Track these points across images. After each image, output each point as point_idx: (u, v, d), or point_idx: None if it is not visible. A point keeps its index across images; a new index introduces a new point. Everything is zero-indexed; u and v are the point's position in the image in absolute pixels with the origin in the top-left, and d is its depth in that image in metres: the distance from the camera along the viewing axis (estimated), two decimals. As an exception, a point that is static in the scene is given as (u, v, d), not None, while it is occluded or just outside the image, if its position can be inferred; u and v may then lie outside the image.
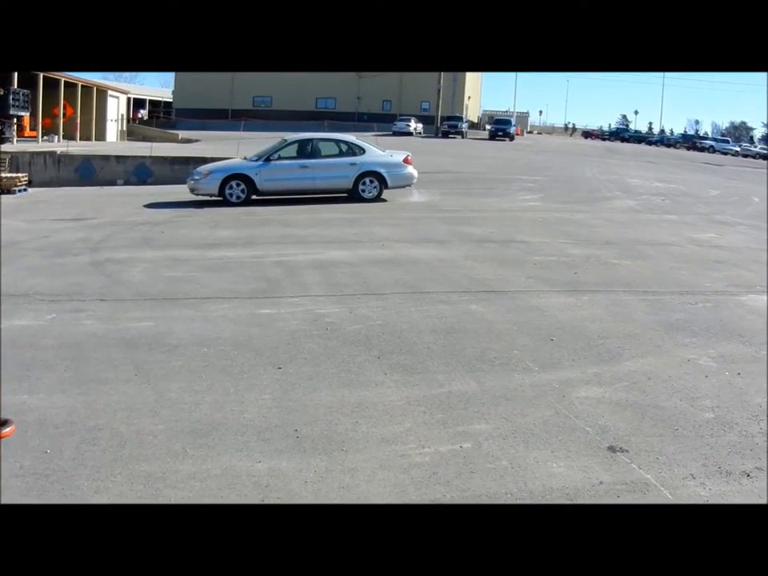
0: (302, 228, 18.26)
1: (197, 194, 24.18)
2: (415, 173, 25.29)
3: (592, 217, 22.43)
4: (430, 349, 8.91)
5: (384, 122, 79.29)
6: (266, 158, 23.89)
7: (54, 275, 12.68)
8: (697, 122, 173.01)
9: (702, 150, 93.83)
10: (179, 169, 34.73)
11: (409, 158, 25.40)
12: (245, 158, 25.25)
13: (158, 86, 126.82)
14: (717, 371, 8.72)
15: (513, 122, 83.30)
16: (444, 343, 9.13)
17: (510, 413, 7.21)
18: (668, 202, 28.48)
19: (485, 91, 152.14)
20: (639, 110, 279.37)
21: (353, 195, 24.28)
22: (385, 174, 24.48)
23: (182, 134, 68.70)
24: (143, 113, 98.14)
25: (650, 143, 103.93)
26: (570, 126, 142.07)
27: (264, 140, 37.98)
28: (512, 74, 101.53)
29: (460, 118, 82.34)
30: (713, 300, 12.18)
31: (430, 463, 6.17)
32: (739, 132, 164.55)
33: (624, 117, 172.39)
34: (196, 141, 59.01)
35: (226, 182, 23.46)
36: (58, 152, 37.56)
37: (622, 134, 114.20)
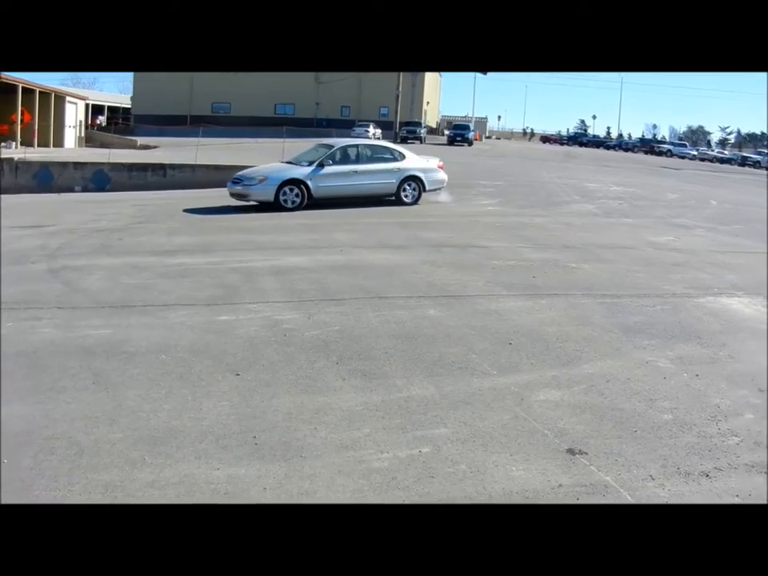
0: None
1: (246, 201, 23.91)
2: (446, 177, 26.36)
3: (550, 221, 22.54)
4: (388, 354, 8.90)
5: (343, 127, 79.18)
6: (319, 163, 23.82)
7: (11, 283, 12.55)
8: (655, 127, 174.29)
9: (660, 153, 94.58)
10: (137, 175, 34.56)
11: (440, 163, 26.51)
12: (289, 163, 25.06)
13: (116, 91, 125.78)
14: (675, 373, 8.78)
15: (471, 127, 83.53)
16: (402, 348, 9.12)
17: (468, 417, 7.21)
18: (626, 205, 28.70)
19: (444, 96, 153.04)
20: (597, 114, 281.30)
21: (397, 199, 24.94)
22: (424, 179, 25.35)
23: (141, 140, 68.36)
24: (102, 119, 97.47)
25: (608, 147, 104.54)
26: (529, 130, 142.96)
27: (223, 147, 37.92)
28: (470, 79, 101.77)
29: (419, 124, 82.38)
30: (671, 302, 12.27)
31: (389, 468, 6.16)
32: (697, 136, 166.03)
33: (582, 121, 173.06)
34: (155, 147, 58.72)
35: (281, 187, 23.33)
36: (16, 159, 37.15)
37: (580, 139, 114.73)
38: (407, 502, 5.65)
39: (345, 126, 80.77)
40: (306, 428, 6.85)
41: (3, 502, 5.55)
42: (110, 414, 7.14)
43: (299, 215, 21.73)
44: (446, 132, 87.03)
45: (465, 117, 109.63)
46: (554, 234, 19.90)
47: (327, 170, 23.81)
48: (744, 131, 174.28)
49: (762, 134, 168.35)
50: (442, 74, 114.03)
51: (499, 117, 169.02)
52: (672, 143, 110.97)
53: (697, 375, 8.75)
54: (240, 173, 24.82)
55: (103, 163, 36.26)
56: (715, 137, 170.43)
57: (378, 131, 78.66)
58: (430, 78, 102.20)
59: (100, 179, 35.36)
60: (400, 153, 25.71)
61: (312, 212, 22.41)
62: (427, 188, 25.49)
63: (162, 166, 35.00)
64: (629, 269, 15.11)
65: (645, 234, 20.63)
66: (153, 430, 6.77)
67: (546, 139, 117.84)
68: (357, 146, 25.72)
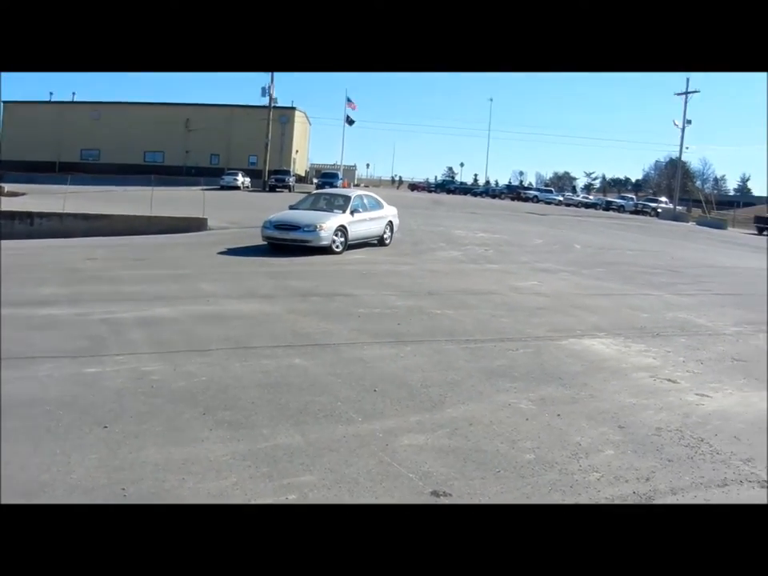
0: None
1: (310, 246, 24.88)
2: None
3: (416, 268, 22.78)
4: (254, 404, 8.85)
5: (212, 175, 78.99)
6: (351, 211, 26.42)
7: None
8: (521, 173, 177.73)
9: (527, 199, 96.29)
10: (4, 224, 33.78)
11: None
12: (322, 210, 27.15)
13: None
14: (537, 414, 8.94)
15: (340, 176, 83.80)
16: (269, 397, 9.08)
17: (334, 463, 7.22)
18: (492, 251, 29.15)
19: (313, 144, 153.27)
20: (465, 162, 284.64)
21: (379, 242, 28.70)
22: (394, 223, 29.82)
23: (9, 186, 66.91)
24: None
25: (475, 194, 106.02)
26: (397, 178, 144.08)
27: (91, 195, 37.41)
28: (339, 127, 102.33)
29: (287, 172, 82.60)
30: (533, 345, 12.50)
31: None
32: (562, 182, 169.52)
33: (450, 169, 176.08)
34: (23, 194, 57.52)
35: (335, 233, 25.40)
36: None
37: (447, 186, 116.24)
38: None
39: (214, 174, 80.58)
40: (173, 479, 6.76)
41: (3, 502, 5.56)
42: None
43: (168, 266, 21.50)
44: (315, 180, 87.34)
45: (334, 165, 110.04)
46: (419, 281, 20.10)
47: (356, 216, 26.64)
48: (608, 176, 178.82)
49: (626, 178, 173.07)
50: (311, 121, 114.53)
51: (368, 165, 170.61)
52: (538, 189, 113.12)
53: (558, 415, 8.92)
54: (282, 220, 25.66)
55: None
56: (581, 182, 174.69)
57: (247, 179, 78.73)
58: (299, 126, 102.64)
59: (-34, 226, 34.50)
60: (381, 202, 29.48)
61: (178, 262, 22.21)
62: (395, 230, 29.74)
63: (29, 215, 34.24)
64: (492, 314, 15.35)
65: (509, 280, 21.01)
66: (21, 485, 6.59)
67: (414, 187, 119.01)
68: (362, 196, 28.90)
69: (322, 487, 6.70)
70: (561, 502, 6.06)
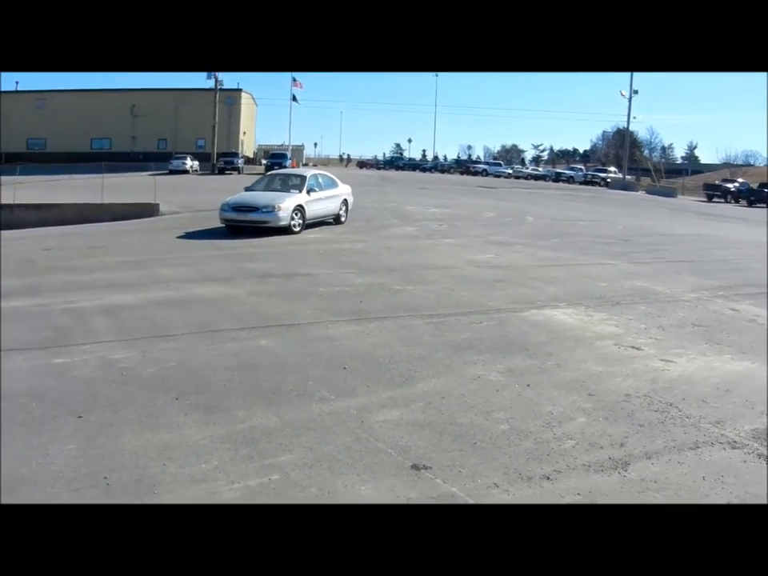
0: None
1: (269, 226, 24.88)
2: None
3: (373, 245, 22.84)
4: (226, 386, 8.84)
5: (161, 160, 78.28)
6: (308, 190, 26.48)
7: None
8: (469, 147, 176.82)
9: (476, 173, 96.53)
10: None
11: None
12: (278, 191, 26.97)
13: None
14: (506, 385, 9.03)
15: (288, 156, 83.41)
16: (239, 380, 9.09)
17: (312, 442, 7.26)
18: (445, 226, 29.23)
19: (259, 126, 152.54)
20: (413, 137, 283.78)
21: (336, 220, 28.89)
22: (349, 201, 29.98)
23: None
24: None
25: (424, 170, 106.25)
26: (345, 156, 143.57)
27: (40, 184, 37.05)
28: (286, 107, 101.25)
29: (236, 154, 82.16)
30: (496, 318, 12.58)
31: (242, 498, 6.14)
32: (511, 155, 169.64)
33: (398, 145, 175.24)
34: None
35: (292, 213, 25.47)
36: None
37: (396, 162, 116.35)
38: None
39: (162, 159, 79.83)
40: (155, 465, 6.75)
41: (3, 502, 5.54)
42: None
43: (124, 253, 21.33)
44: (264, 161, 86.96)
45: (282, 145, 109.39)
46: (377, 258, 20.17)
47: (313, 195, 26.65)
48: (557, 148, 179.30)
49: (574, 150, 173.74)
50: (258, 102, 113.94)
51: (315, 144, 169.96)
52: (487, 163, 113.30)
53: (528, 385, 9.02)
54: (240, 202, 25.65)
55: None
56: (529, 155, 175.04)
57: (196, 163, 78.20)
58: (246, 107, 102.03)
59: None
60: (336, 180, 29.65)
61: (134, 249, 22.05)
62: (349, 209, 29.97)
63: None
64: (453, 288, 15.43)
65: (466, 254, 21.10)
66: (3, 478, 6.55)
67: (362, 164, 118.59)
68: (317, 175, 28.91)
69: (303, 466, 6.73)
70: (560, 502, 6.08)
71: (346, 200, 29.61)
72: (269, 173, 33.23)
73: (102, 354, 10.14)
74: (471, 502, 6.09)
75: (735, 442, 7.55)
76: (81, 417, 7.90)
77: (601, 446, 7.32)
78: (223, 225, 25.58)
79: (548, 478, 6.56)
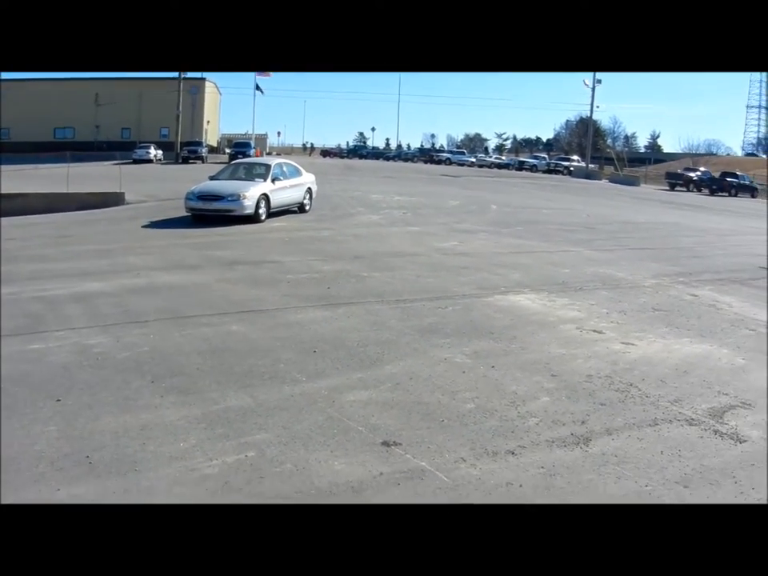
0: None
1: (235, 215, 24.94)
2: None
3: (338, 233, 23.02)
4: (199, 370, 9.02)
5: (124, 149, 77.59)
6: (272, 179, 26.59)
7: None
8: (433, 136, 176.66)
9: (440, 162, 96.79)
10: None
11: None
12: (243, 179, 26.98)
13: None
14: (472, 366, 9.29)
15: (252, 145, 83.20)
16: (212, 363, 9.26)
17: (286, 421, 7.48)
18: (410, 214, 29.44)
19: (223, 114, 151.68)
20: (376, 126, 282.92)
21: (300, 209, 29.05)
22: (313, 190, 30.21)
23: None
24: None
25: (387, 159, 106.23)
26: (309, 145, 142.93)
27: (4, 173, 36.80)
28: (249, 98, 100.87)
29: (200, 143, 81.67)
30: (461, 303, 12.84)
31: (221, 474, 6.35)
32: (474, 143, 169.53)
33: (361, 134, 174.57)
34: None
35: (258, 201, 25.44)
36: None
37: (360, 151, 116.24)
38: (243, 502, 5.84)
39: (126, 148, 79.13)
40: (134, 444, 6.91)
41: (3, 502, 5.58)
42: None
43: (92, 242, 21.36)
44: (227, 150, 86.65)
45: (245, 134, 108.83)
46: (343, 245, 20.34)
47: (277, 183, 26.76)
48: (520, 137, 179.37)
49: (538, 138, 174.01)
50: (222, 91, 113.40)
51: (279, 133, 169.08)
52: (451, 151, 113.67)
53: (493, 367, 9.28)
54: (205, 191, 25.56)
55: None
56: (492, 143, 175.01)
57: (160, 152, 77.76)
58: (210, 96, 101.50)
59: None
60: (300, 168, 29.81)
61: (102, 238, 22.08)
62: (314, 197, 30.16)
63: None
64: (418, 274, 15.66)
65: (431, 241, 21.34)
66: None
67: (326, 153, 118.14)
68: (281, 164, 29.16)
69: (279, 444, 6.94)
70: (560, 502, 6.23)
71: (310, 188, 29.72)
72: (233, 162, 33.49)
73: (76, 340, 10.27)
74: (443, 477, 6.34)
75: (692, 419, 7.86)
76: (59, 400, 8.04)
77: (563, 423, 7.61)
78: (189, 214, 25.55)
79: (513, 453, 6.84)
